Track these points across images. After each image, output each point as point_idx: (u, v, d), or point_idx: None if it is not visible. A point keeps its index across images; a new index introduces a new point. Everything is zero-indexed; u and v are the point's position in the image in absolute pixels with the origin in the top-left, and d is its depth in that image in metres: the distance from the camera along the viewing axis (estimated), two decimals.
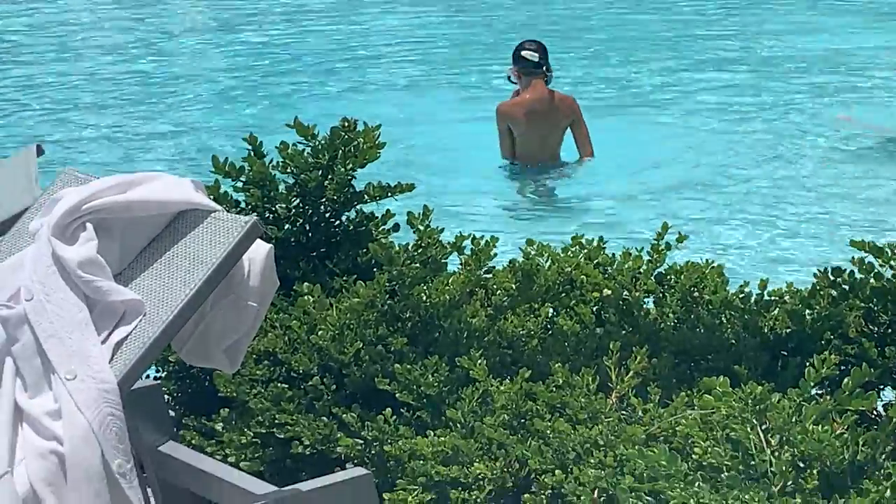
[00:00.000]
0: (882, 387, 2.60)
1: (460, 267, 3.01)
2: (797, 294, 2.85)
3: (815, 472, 2.00)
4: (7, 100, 9.89)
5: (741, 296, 2.88)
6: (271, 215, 3.08)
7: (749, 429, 2.04)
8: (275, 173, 3.08)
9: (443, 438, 2.47)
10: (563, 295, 2.95)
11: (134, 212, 2.16)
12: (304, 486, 2.22)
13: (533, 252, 3.09)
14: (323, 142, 3.08)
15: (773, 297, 2.88)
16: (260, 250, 2.19)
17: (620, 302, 2.89)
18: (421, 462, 2.44)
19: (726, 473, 2.01)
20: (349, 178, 3.09)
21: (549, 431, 2.39)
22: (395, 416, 2.59)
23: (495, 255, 3.03)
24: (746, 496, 1.94)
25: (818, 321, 2.71)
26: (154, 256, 2.15)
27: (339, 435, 2.61)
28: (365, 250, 3.01)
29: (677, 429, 2.24)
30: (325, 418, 2.65)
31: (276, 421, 2.66)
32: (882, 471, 2.02)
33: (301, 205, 3.10)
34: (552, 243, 3.17)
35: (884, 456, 2.06)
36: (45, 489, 1.96)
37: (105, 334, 2.06)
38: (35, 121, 9.26)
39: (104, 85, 10.34)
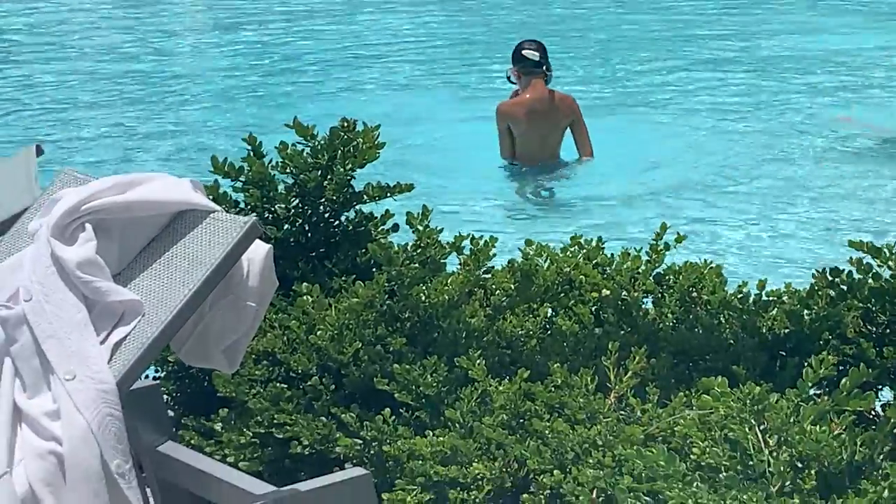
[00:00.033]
0: (880, 387, 2.60)
1: (459, 267, 3.01)
2: (795, 294, 2.85)
3: (813, 472, 2.00)
4: (6, 99, 9.89)
5: (740, 296, 2.89)
6: (270, 215, 3.08)
7: (747, 429, 2.04)
8: (274, 173, 3.09)
9: (441, 438, 2.47)
10: (562, 295, 2.96)
11: (133, 212, 2.17)
12: (302, 486, 2.23)
13: (532, 252, 3.09)
14: (322, 142, 3.08)
15: (771, 298, 2.89)
16: (259, 250, 2.19)
17: (619, 302, 2.89)
18: (420, 462, 2.44)
19: (724, 473, 2.02)
20: (348, 178, 3.09)
21: (547, 431, 2.39)
22: (393, 416, 2.59)
23: (494, 255, 3.04)
24: (744, 496, 1.94)
25: (816, 321, 2.71)
26: (153, 257, 2.16)
27: (337, 435, 2.61)
28: (364, 250, 3.01)
29: (676, 429, 2.24)
30: (323, 418, 2.65)
31: (275, 421, 2.67)
32: (880, 471, 2.02)
33: (300, 205, 3.10)
34: (551, 243, 3.18)
35: (882, 456, 2.06)
36: (43, 489, 1.96)
37: (104, 335, 2.07)
38: (34, 120, 9.26)
39: (103, 84, 10.34)
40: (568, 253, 3.10)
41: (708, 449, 2.07)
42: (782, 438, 2.02)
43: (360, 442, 2.58)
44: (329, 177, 3.07)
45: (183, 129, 8.92)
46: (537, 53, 7.26)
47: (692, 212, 6.72)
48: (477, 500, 2.39)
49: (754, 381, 2.18)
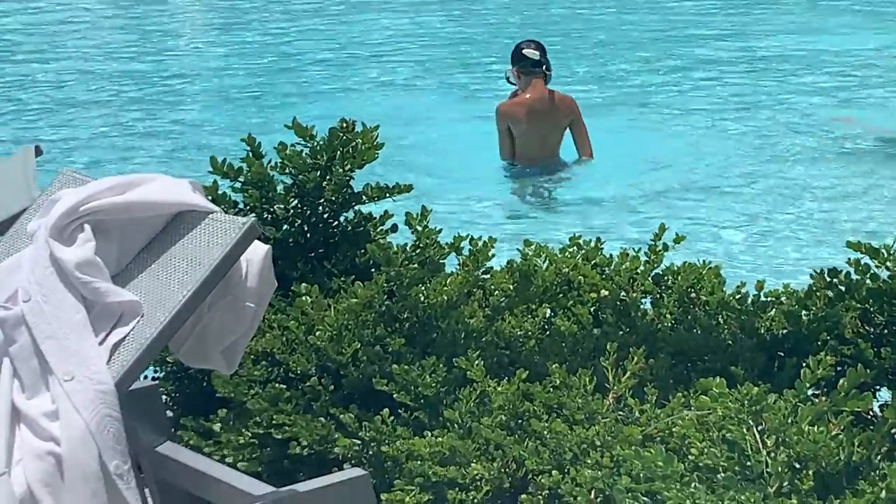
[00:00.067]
0: (878, 388, 2.61)
1: (458, 267, 3.02)
2: (793, 295, 2.85)
3: (810, 472, 2.00)
4: (4, 99, 9.89)
5: (738, 297, 2.89)
6: (269, 216, 3.09)
7: (745, 430, 2.04)
8: (273, 174, 3.09)
9: (440, 439, 2.47)
10: (561, 296, 2.96)
11: (132, 213, 2.17)
12: (301, 487, 2.23)
13: (530, 253, 3.10)
14: (321, 142, 3.08)
15: (769, 298, 2.89)
16: (258, 251, 2.19)
17: (618, 303, 2.90)
18: (418, 462, 2.45)
19: (722, 474, 2.02)
20: (347, 178, 3.09)
21: (546, 432, 2.39)
22: (392, 417, 2.59)
23: (493, 255, 3.04)
24: (742, 497, 1.94)
25: (814, 322, 2.71)
26: (152, 258, 2.16)
27: (336, 435, 2.61)
28: (363, 251, 3.01)
29: (674, 429, 2.25)
30: (322, 419, 2.65)
31: (274, 421, 2.67)
32: (877, 472, 2.02)
33: (299, 205, 3.10)
34: (550, 244, 3.18)
35: (879, 457, 2.06)
36: (42, 490, 1.96)
37: (103, 335, 2.07)
38: (32, 120, 9.26)
39: (102, 84, 10.34)
40: (567, 253, 3.11)
41: (706, 449, 2.08)
42: (780, 439, 2.03)
43: (359, 442, 2.58)
44: (328, 177, 3.07)
45: (182, 129, 8.92)
46: (537, 53, 7.26)
47: (691, 212, 6.73)
48: (475, 501, 2.39)
49: (752, 382, 2.18)
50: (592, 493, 2.19)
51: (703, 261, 3.02)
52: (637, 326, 2.80)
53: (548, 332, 2.83)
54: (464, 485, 2.41)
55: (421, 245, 2.99)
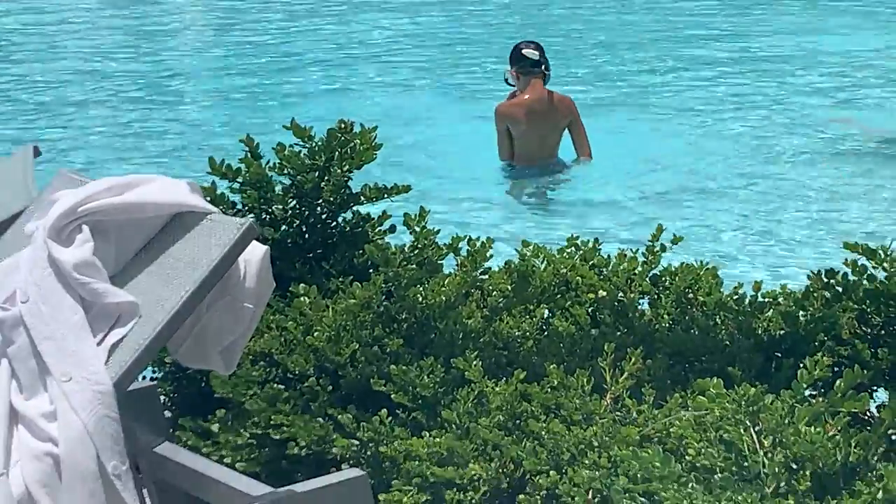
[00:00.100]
0: (875, 388, 2.61)
1: (456, 268, 3.02)
2: (791, 296, 2.86)
3: (807, 473, 2.01)
4: (3, 99, 9.89)
5: (735, 297, 2.89)
6: (268, 216, 3.09)
7: (742, 430, 2.05)
8: (271, 174, 3.09)
9: (438, 439, 2.47)
10: (559, 296, 2.96)
11: (130, 214, 2.17)
12: (299, 487, 2.23)
13: (528, 253, 3.10)
14: (319, 143, 3.08)
15: (767, 299, 2.89)
16: (256, 252, 2.20)
17: (615, 303, 2.90)
18: (416, 463, 2.45)
19: (719, 475, 2.02)
20: (346, 179, 3.09)
21: (543, 432, 2.39)
22: (390, 417, 2.59)
23: (491, 256, 3.04)
24: (739, 497, 1.94)
25: (812, 323, 2.71)
26: (150, 258, 2.16)
27: (334, 436, 2.62)
28: (361, 252, 3.02)
29: (671, 430, 2.25)
30: (320, 419, 2.66)
31: (272, 422, 2.67)
32: (874, 472, 2.03)
33: (297, 206, 3.10)
34: (549, 244, 3.18)
35: (876, 457, 2.07)
36: (40, 491, 1.97)
37: (101, 336, 2.07)
38: (30, 120, 9.26)
39: (100, 84, 10.34)
40: (564, 254, 3.11)
41: (703, 450, 2.08)
42: (777, 439, 2.03)
43: (357, 443, 2.59)
44: (326, 178, 3.07)
45: (180, 129, 8.92)
46: (536, 53, 7.27)
47: (689, 213, 6.73)
48: (473, 501, 2.40)
49: (750, 383, 2.19)
50: (590, 493, 2.20)
51: (701, 261, 3.02)
52: (635, 327, 2.80)
53: (546, 333, 2.83)
54: (461, 485, 2.41)
55: (419, 246, 3.00)
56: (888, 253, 2.72)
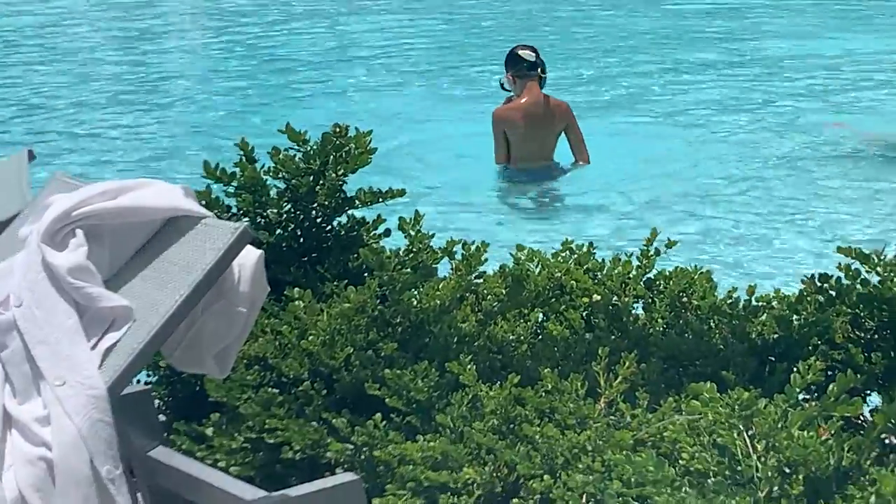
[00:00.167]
0: (868, 393, 2.62)
1: (451, 272, 3.02)
2: (785, 300, 2.86)
3: (800, 477, 2.01)
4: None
5: (729, 301, 2.90)
6: (263, 220, 3.09)
7: (735, 434, 2.05)
8: (266, 178, 3.09)
9: (432, 444, 2.47)
10: (553, 300, 2.97)
11: (124, 218, 2.17)
12: (293, 492, 2.23)
13: (523, 257, 3.10)
14: (314, 147, 3.09)
15: (760, 303, 2.90)
16: (250, 256, 2.20)
17: (610, 307, 2.91)
18: (410, 467, 2.45)
19: (713, 479, 2.03)
20: (340, 183, 3.10)
21: (537, 437, 2.39)
22: (384, 422, 2.59)
23: (486, 260, 3.05)
24: (732, 501, 1.95)
25: (805, 327, 2.72)
26: (144, 263, 2.16)
27: (328, 440, 2.62)
28: (356, 255, 3.02)
29: (665, 434, 2.26)
30: (314, 423, 2.66)
31: (267, 426, 2.67)
32: (867, 477, 2.03)
33: (292, 210, 3.10)
34: (544, 248, 3.19)
35: (869, 462, 2.07)
36: (33, 495, 1.96)
37: (94, 340, 2.07)
38: (23, 124, 9.25)
39: (94, 88, 10.33)
40: (559, 258, 3.11)
41: (696, 454, 2.09)
42: (770, 444, 2.03)
43: (351, 447, 2.59)
44: (321, 182, 3.08)
45: (174, 133, 8.92)
46: (533, 54, 7.27)
47: (685, 217, 6.74)
48: None
49: (743, 387, 2.19)
50: (584, 497, 2.20)
51: (695, 265, 3.03)
52: (629, 331, 2.81)
53: (540, 337, 2.84)
54: (456, 489, 2.41)
55: (414, 249, 3.00)
56: (881, 257, 2.72)
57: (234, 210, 3.09)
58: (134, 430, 2.25)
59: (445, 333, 2.76)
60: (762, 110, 9.12)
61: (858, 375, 2.18)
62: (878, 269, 2.72)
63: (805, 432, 2.03)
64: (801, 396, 2.22)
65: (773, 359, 2.71)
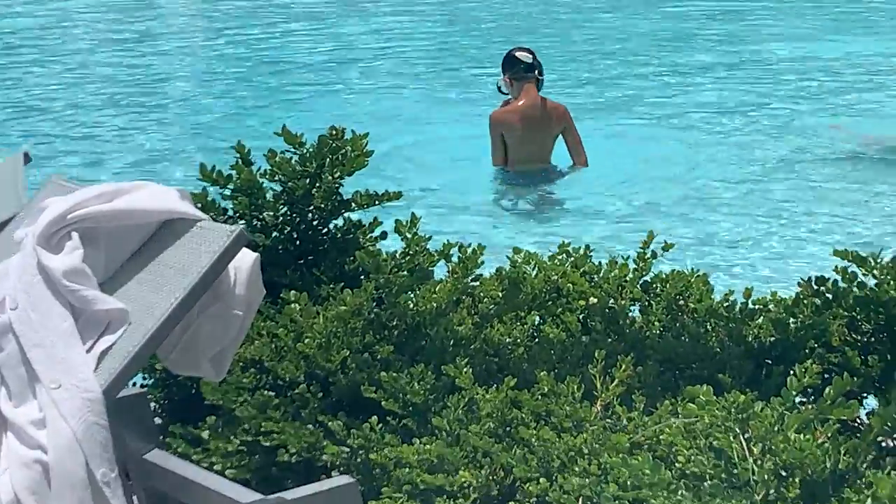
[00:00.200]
0: (864, 396, 2.62)
1: (447, 275, 3.02)
2: (781, 303, 2.86)
3: (796, 480, 2.01)
4: None
5: (726, 304, 2.90)
6: (259, 223, 3.09)
7: (732, 437, 2.05)
8: (262, 181, 3.09)
9: (428, 446, 2.47)
10: (550, 303, 2.97)
11: (120, 221, 2.17)
12: (289, 495, 2.23)
13: (520, 260, 3.10)
14: (311, 150, 3.08)
15: (757, 306, 2.90)
16: (246, 259, 2.20)
17: (606, 310, 2.90)
18: (406, 470, 2.45)
19: (709, 482, 2.03)
20: (337, 185, 3.09)
21: (534, 439, 2.39)
22: (380, 424, 2.59)
23: (482, 262, 3.05)
24: None
25: (802, 330, 2.72)
26: (139, 265, 2.16)
27: (324, 443, 2.61)
28: (352, 258, 3.02)
29: (661, 437, 2.25)
30: (311, 426, 2.66)
31: (262, 429, 2.67)
32: (863, 479, 2.03)
33: (288, 212, 3.10)
34: (540, 249, 3.19)
35: (865, 465, 2.07)
36: (29, 498, 1.96)
37: (90, 343, 2.07)
38: (20, 125, 9.24)
39: (89, 90, 10.33)
40: (556, 261, 3.11)
41: (693, 457, 2.08)
42: (767, 447, 2.03)
43: (347, 450, 2.59)
44: (317, 184, 3.07)
45: (170, 136, 8.92)
46: (530, 56, 7.27)
47: (683, 220, 6.74)
48: None
49: (739, 390, 2.19)
50: (580, 500, 2.20)
51: (692, 268, 3.03)
52: (625, 334, 2.81)
53: (536, 340, 2.84)
54: (452, 492, 2.41)
55: (410, 252, 3.00)
56: (878, 260, 2.72)
57: (231, 213, 3.09)
58: (129, 433, 2.25)
59: (442, 336, 2.76)
60: (760, 113, 9.12)
61: (855, 378, 2.18)
62: (875, 272, 2.72)
63: (801, 435, 2.03)
64: (797, 399, 2.22)
65: (769, 362, 2.71)
